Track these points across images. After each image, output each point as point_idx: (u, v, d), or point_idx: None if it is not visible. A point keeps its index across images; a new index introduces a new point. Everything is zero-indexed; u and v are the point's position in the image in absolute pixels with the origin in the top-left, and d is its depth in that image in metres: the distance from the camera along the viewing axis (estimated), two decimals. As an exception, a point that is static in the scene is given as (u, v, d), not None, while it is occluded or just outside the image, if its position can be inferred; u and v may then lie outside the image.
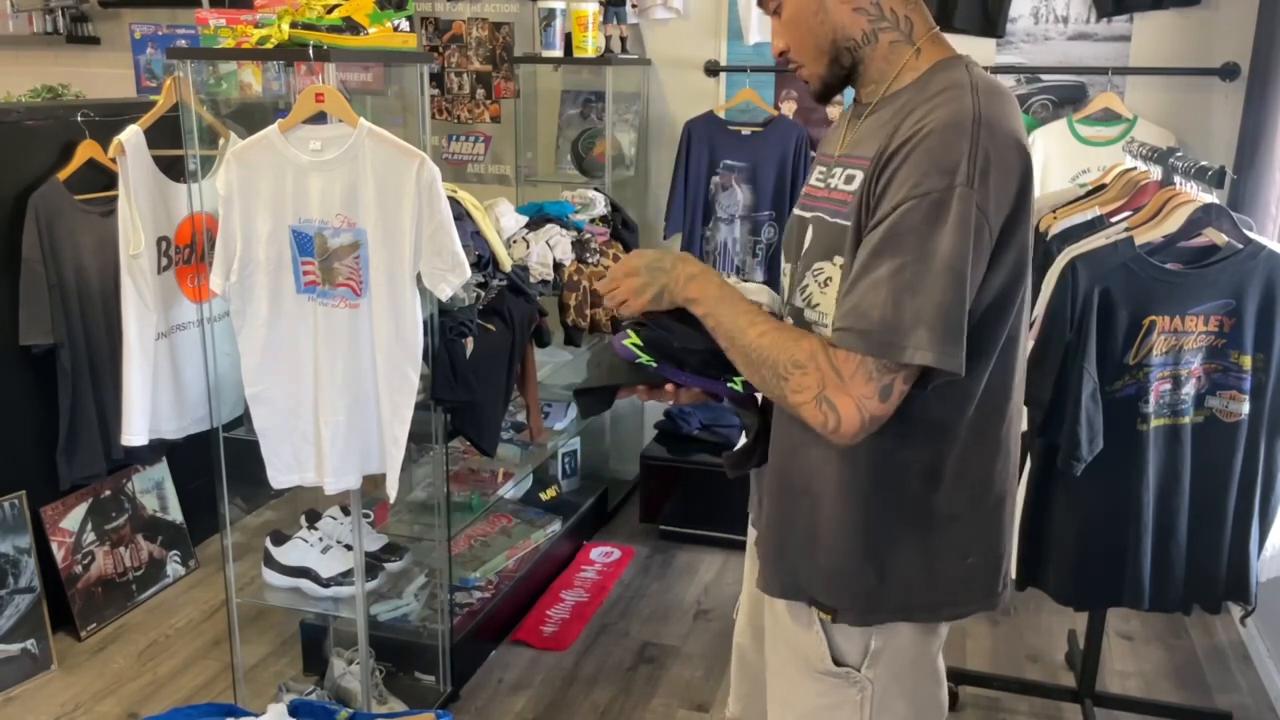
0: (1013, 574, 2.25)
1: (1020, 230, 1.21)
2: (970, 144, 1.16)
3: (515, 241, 2.83)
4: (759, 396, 1.40)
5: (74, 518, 2.96)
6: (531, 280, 2.81)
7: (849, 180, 1.29)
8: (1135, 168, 2.50)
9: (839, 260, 1.27)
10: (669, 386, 1.38)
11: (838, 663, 1.36)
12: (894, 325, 1.15)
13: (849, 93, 1.38)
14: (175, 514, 3.28)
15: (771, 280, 3.49)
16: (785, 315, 1.39)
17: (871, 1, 1.29)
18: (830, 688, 1.36)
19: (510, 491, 3.33)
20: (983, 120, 1.18)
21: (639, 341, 1.35)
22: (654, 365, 1.36)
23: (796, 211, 1.42)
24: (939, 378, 1.19)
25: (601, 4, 3.41)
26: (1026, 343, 1.35)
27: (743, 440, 1.48)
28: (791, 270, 1.40)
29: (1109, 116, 3.23)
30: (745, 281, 1.50)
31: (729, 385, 1.37)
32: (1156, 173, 2.37)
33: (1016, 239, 1.21)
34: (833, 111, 3.51)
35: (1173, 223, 2.03)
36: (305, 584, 2.50)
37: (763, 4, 1.36)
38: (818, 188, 1.38)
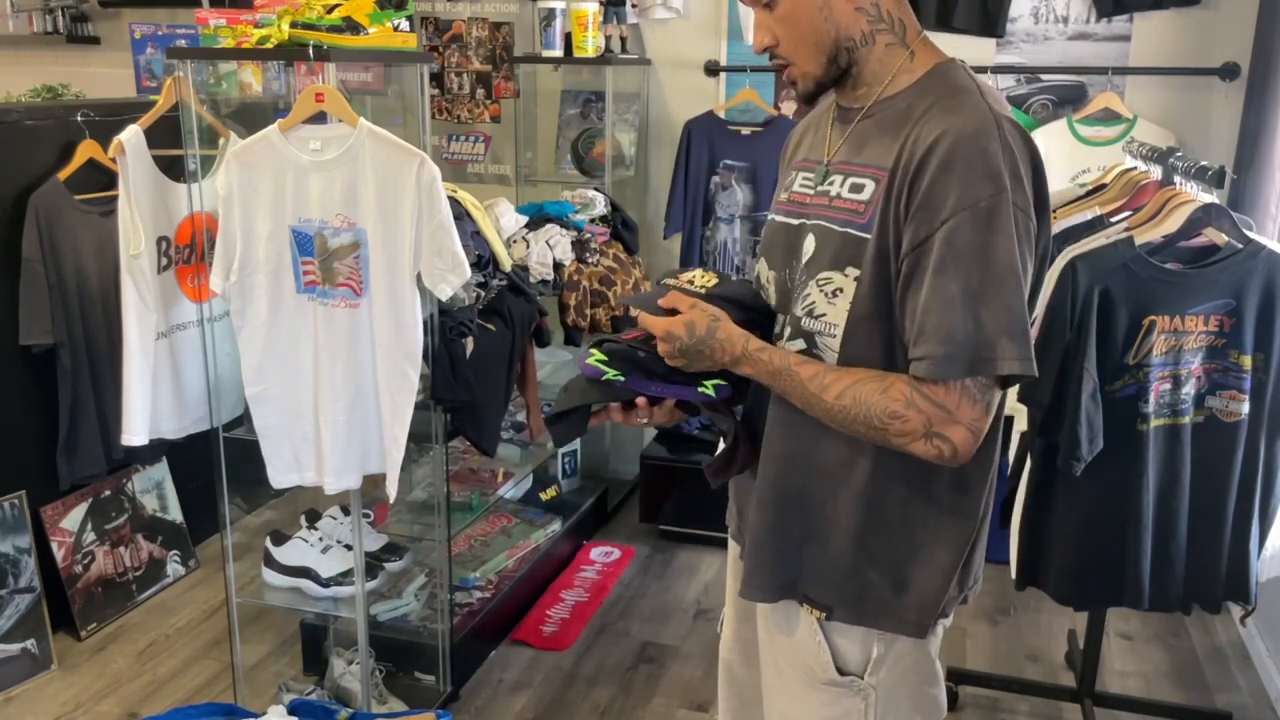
0: (1013, 574, 2.26)
1: (1045, 216, 1.22)
2: (1000, 146, 1.16)
3: (515, 241, 2.84)
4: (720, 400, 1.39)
5: (74, 517, 2.96)
6: (531, 280, 2.81)
7: (856, 189, 1.26)
8: (1135, 168, 2.50)
9: (852, 272, 1.24)
10: (641, 402, 1.35)
11: (841, 671, 1.35)
12: (981, 341, 1.14)
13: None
14: (175, 514, 3.28)
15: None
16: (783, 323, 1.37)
17: (871, 1, 1.27)
18: (834, 697, 1.36)
19: (510, 491, 3.33)
20: (1000, 120, 1.19)
21: (603, 357, 1.32)
22: (622, 379, 1.32)
23: (781, 218, 1.38)
24: (1014, 381, 1.20)
25: (601, 4, 3.41)
26: None
27: (721, 446, 1.45)
28: (778, 278, 1.37)
29: (1109, 116, 3.23)
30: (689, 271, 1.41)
31: (700, 390, 1.34)
32: (1156, 173, 2.37)
33: (1044, 225, 1.23)
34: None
35: (1173, 223, 2.03)
36: (305, 584, 2.50)
37: None
38: (808, 194, 1.33)
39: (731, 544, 1.56)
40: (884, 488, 1.28)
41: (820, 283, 1.27)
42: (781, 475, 1.35)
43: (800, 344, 1.30)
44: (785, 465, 1.35)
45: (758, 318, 1.36)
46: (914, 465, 1.25)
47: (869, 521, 1.30)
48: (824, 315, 1.27)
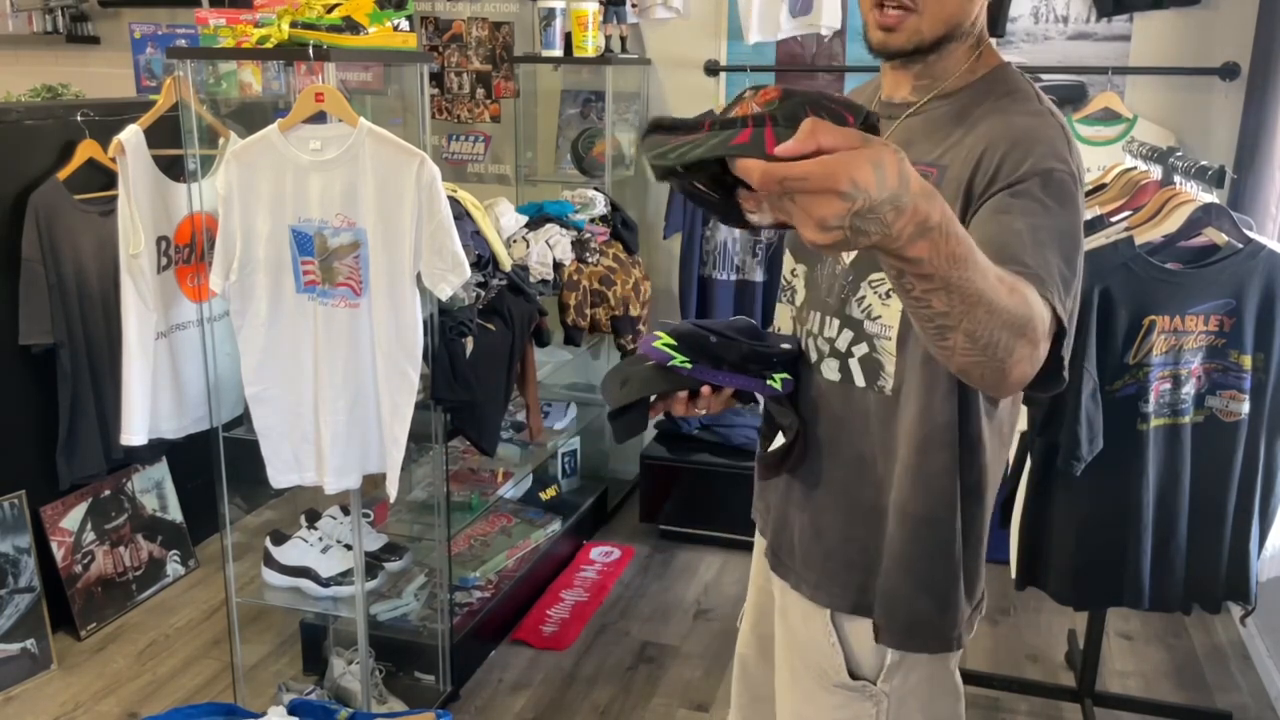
0: (1013, 574, 2.26)
1: None
2: (1069, 148, 1.17)
3: (515, 241, 2.84)
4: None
5: (74, 517, 2.96)
6: (531, 280, 2.81)
7: None
8: (1135, 167, 2.50)
9: None
10: (705, 391, 1.26)
11: (854, 675, 1.34)
12: (1069, 284, 1.07)
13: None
14: (175, 514, 3.28)
15: (772, 280, 3.49)
16: (807, 315, 1.34)
17: (981, 4, 1.26)
18: (846, 700, 1.35)
19: (510, 491, 3.33)
20: (1064, 126, 1.20)
21: (671, 341, 1.23)
22: (689, 366, 1.24)
23: None
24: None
25: (601, 4, 3.41)
26: None
27: (779, 440, 1.39)
28: (808, 271, 1.34)
29: (1109, 116, 3.23)
30: None
31: (768, 384, 1.29)
32: (1156, 172, 2.37)
33: None
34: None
35: (1173, 222, 2.03)
36: (305, 584, 2.50)
37: None
38: None
39: (759, 538, 1.53)
40: (925, 505, 1.26)
41: (873, 283, 1.23)
42: (849, 483, 1.32)
43: (864, 348, 1.26)
44: (853, 473, 1.31)
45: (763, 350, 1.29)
46: (943, 480, 1.24)
47: (916, 544, 1.27)
48: (880, 317, 1.23)
